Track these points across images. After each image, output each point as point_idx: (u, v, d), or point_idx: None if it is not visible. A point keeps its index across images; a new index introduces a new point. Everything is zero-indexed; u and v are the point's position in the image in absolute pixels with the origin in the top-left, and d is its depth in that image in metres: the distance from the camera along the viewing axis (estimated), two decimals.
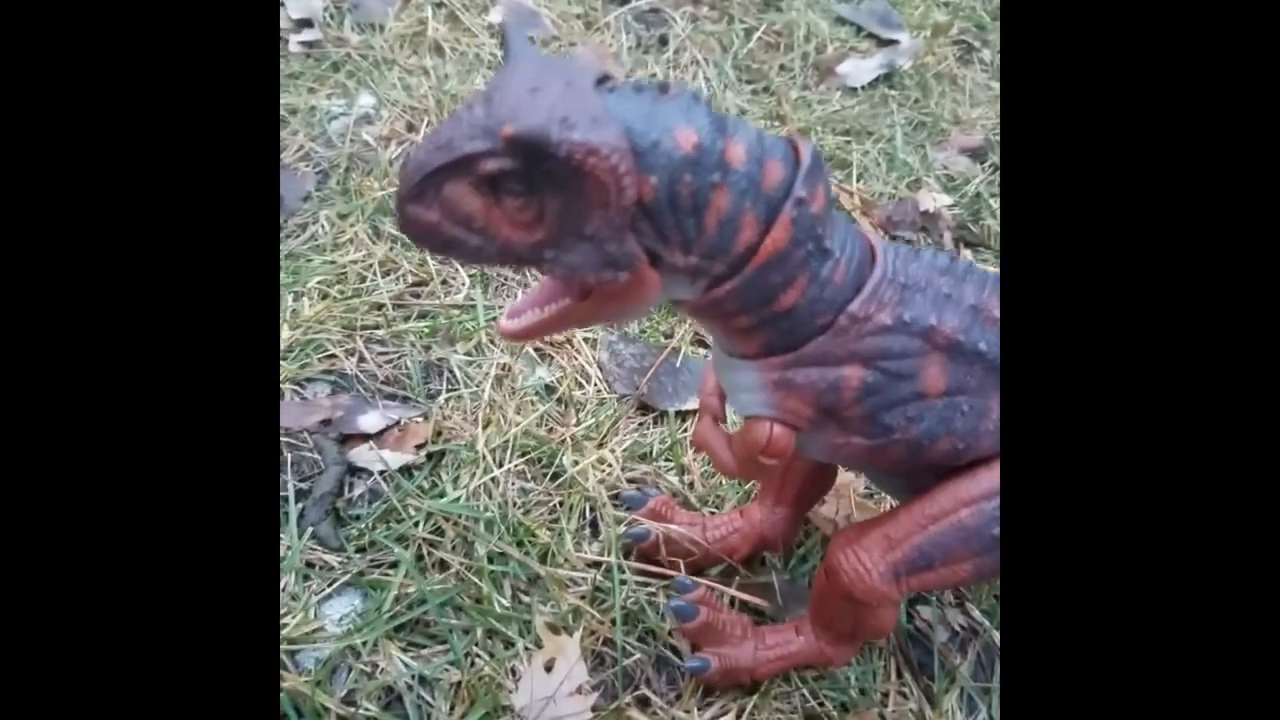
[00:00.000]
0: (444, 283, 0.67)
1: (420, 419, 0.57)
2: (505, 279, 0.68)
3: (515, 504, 0.54)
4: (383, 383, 0.59)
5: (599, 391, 0.62)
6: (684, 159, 0.31)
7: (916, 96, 0.98)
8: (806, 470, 0.50)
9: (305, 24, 0.85)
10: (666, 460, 0.59)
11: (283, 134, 0.73)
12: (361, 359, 0.60)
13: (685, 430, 0.62)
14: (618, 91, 0.32)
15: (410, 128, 0.75)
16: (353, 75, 0.80)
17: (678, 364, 0.66)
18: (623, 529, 0.53)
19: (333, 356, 0.59)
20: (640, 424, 0.62)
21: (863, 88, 0.97)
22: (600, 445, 0.59)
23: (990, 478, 0.38)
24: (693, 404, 0.64)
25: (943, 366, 0.36)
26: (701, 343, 0.69)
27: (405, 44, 0.84)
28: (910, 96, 0.98)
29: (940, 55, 1.04)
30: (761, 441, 0.38)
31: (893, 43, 1.04)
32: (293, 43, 0.83)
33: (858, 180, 0.87)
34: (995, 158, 0.93)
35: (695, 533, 0.52)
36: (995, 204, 0.88)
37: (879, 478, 0.44)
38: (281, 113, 0.75)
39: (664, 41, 0.93)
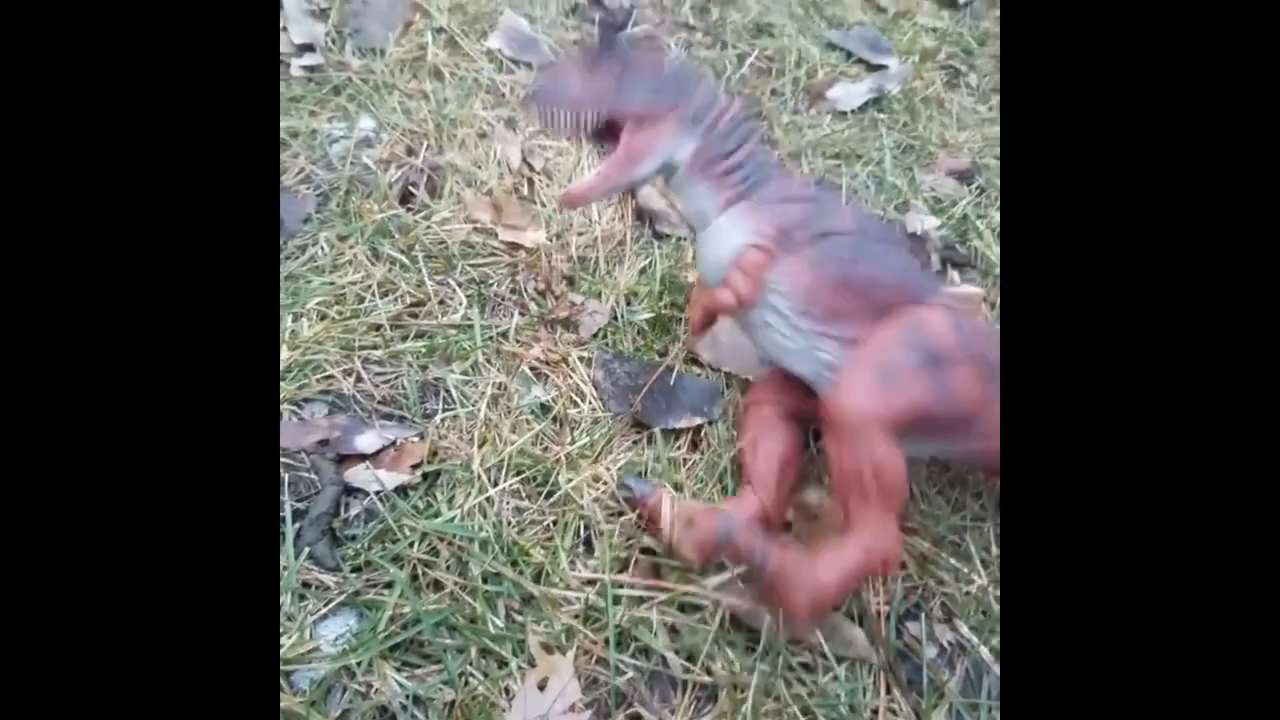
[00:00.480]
0: (441, 303, 0.68)
1: (416, 439, 0.57)
2: (502, 299, 0.69)
3: (510, 523, 0.55)
4: (380, 403, 0.60)
5: (593, 410, 0.63)
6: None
7: (905, 120, 1.00)
8: (778, 454, 0.56)
9: (307, 48, 0.87)
10: (660, 477, 0.60)
11: (283, 157, 0.75)
12: (359, 379, 0.60)
13: (679, 447, 0.63)
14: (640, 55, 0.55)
15: (410, 151, 0.77)
16: (353, 99, 0.81)
17: (672, 382, 0.67)
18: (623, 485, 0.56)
19: (330, 377, 0.60)
20: (635, 441, 0.62)
21: (852, 112, 0.99)
22: (595, 463, 0.60)
23: (905, 315, 0.51)
24: (686, 422, 0.65)
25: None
26: (694, 361, 0.70)
27: (405, 68, 0.86)
28: (899, 120, 1.00)
29: (928, 80, 1.06)
30: (748, 262, 0.53)
31: (882, 68, 1.06)
32: (294, 67, 0.84)
33: (847, 203, 0.88)
34: (982, 180, 0.95)
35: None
36: (981, 225, 0.90)
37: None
38: (283, 136, 0.76)
39: None
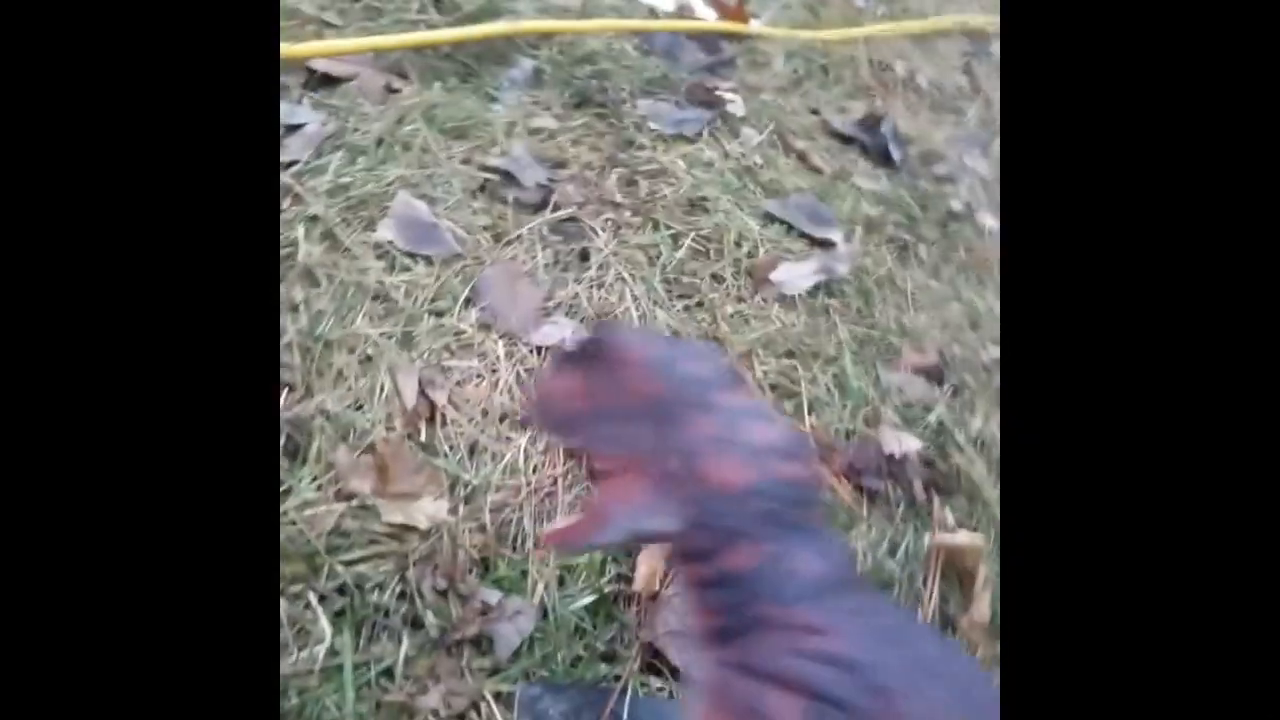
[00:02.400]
0: (299, 632, 0.49)
1: None
2: (385, 614, 0.51)
3: None
4: None
5: None
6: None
7: (859, 305, 0.90)
8: None
9: None
10: None
11: None
12: None
13: None
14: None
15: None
16: None
17: (625, 714, 0.50)
18: None
19: None
20: None
21: (800, 296, 0.88)
22: None
23: None
24: None
25: None
26: (652, 667, 0.54)
27: None
28: (852, 305, 0.90)
29: (878, 258, 0.98)
30: None
31: (826, 242, 0.97)
32: None
33: (809, 413, 0.76)
34: (953, 379, 0.85)
35: None
36: (960, 436, 0.79)
37: None
38: None
39: (585, 256, 0.82)
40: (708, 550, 0.31)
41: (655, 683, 0.54)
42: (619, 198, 0.90)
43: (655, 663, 0.55)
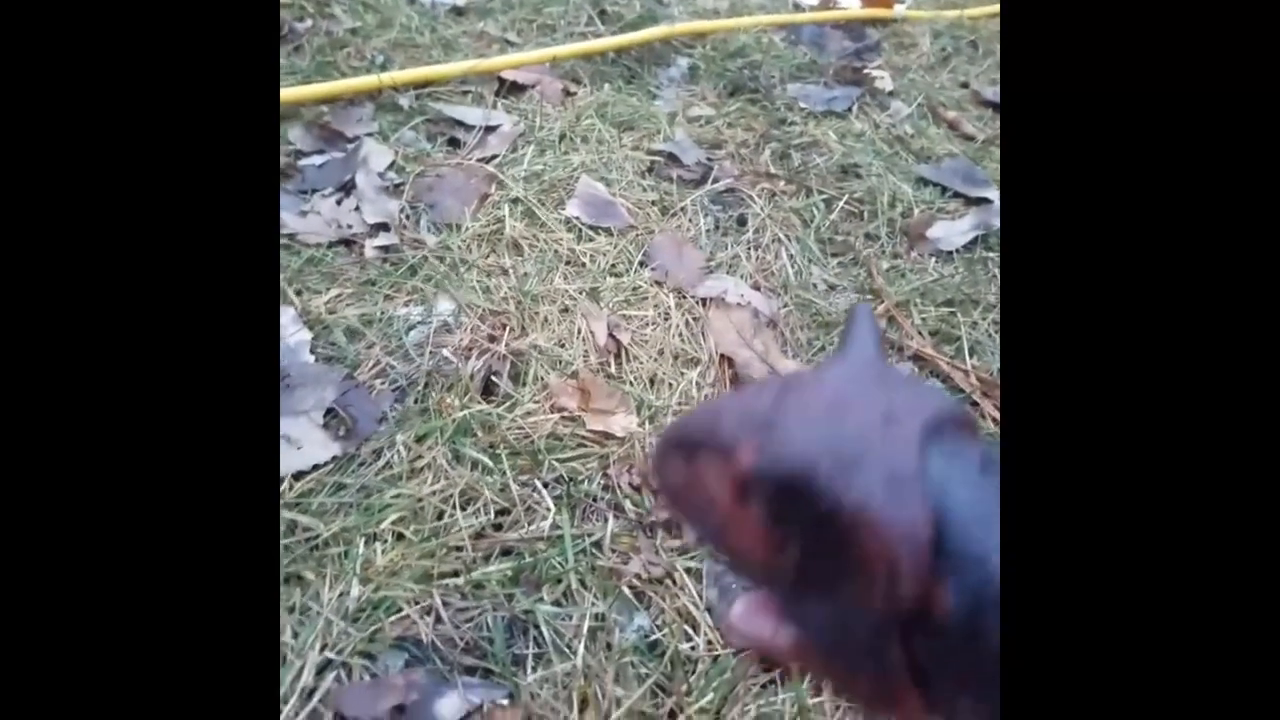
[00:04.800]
0: (528, 510, 0.61)
1: (506, 701, 0.49)
2: (593, 500, 0.62)
3: None
4: (463, 650, 0.52)
5: (711, 646, 0.54)
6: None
7: None
8: None
9: (382, 228, 0.86)
10: None
11: (359, 347, 0.71)
12: (438, 619, 0.53)
13: (820, 689, 0.52)
14: (957, 457, 0.24)
15: (492, 338, 0.73)
16: (430, 279, 0.79)
17: None
18: None
19: (406, 618, 0.53)
20: (766, 685, 0.52)
21: (957, 251, 0.92)
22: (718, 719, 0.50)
23: None
24: None
25: None
26: None
27: (483, 243, 0.84)
28: None
29: None
30: None
31: (983, 200, 0.99)
32: (369, 247, 0.83)
33: (971, 356, 0.80)
34: None
35: None
36: None
37: None
38: (357, 324, 0.74)
39: (742, 222, 0.91)
40: None
41: None
42: (773, 169, 0.98)
43: None
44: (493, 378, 0.69)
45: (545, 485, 0.62)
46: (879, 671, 0.24)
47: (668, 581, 0.57)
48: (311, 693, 0.48)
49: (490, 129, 0.99)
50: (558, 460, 0.64)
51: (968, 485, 0.24)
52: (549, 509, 0.61)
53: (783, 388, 0.27)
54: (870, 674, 0.25)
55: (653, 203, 0.92)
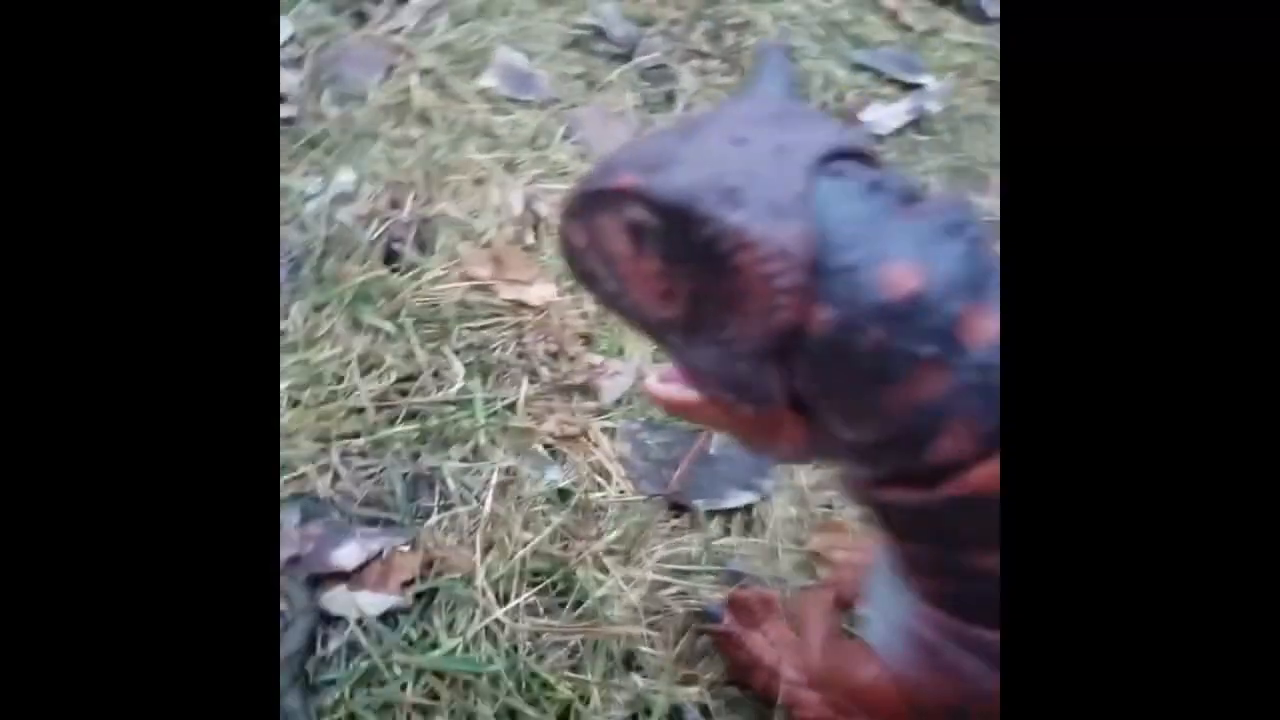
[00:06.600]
0: (435, 375, 0.60)
1: (406, 548, 0.49)
2: (507, 366, 0.61)
3: (526, 650, 0.46)
4: (362, 504, 0.51)
5: (622, 493, 0.54)
6: (881, 306, 0.24)
7: (950, 140, 0.93)
8: None
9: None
10: (710, 573, 0.51)
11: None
12: (336, 477, 0.52)
13: (729, 531, 0.54)
14: (844, 180, 0.25)
15: (394, 204, 0.70)
16: (330, 152, 0.76)
17: (712, 451, 0.59)
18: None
19: (301, 476, 0.52)
20: (674, 528, 0.53)
21: (891, 135, 0.92)
22: (628, 561, 0.51)
23: None
24: (734, 500, 0.56)
25: None
26: None
27: (389, 115, 0.80)
28: (943, 141, 0.93)
29: (971, 96, 1.00)
30: (862, 684, 0.30)
31: (917, 87, 1.00)
32: None
33: None
34: None
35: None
36: None
37: None
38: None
39: (671, 98, 0.89)
40: (927, 538, 0.26)
41: None
42: (705, 47, 0.96)
43: None
44: (395, 246, 0.67)
45: (455, 353, 0.61)
46: (761, 399, 0.26)
47: (582, 439, 0.58)
48: None
49: (401, 1, 0.94)
50: (468, 329, 0.63)
51: (851, 206, 0.24)
52: (458, 374, 0.60)
53: (683, 128, 0.28)
54: (753, 402, 0.26)
55: (577, 76, 0.89)
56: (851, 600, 0.37)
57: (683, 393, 0.30)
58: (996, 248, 0.24)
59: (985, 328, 0.24)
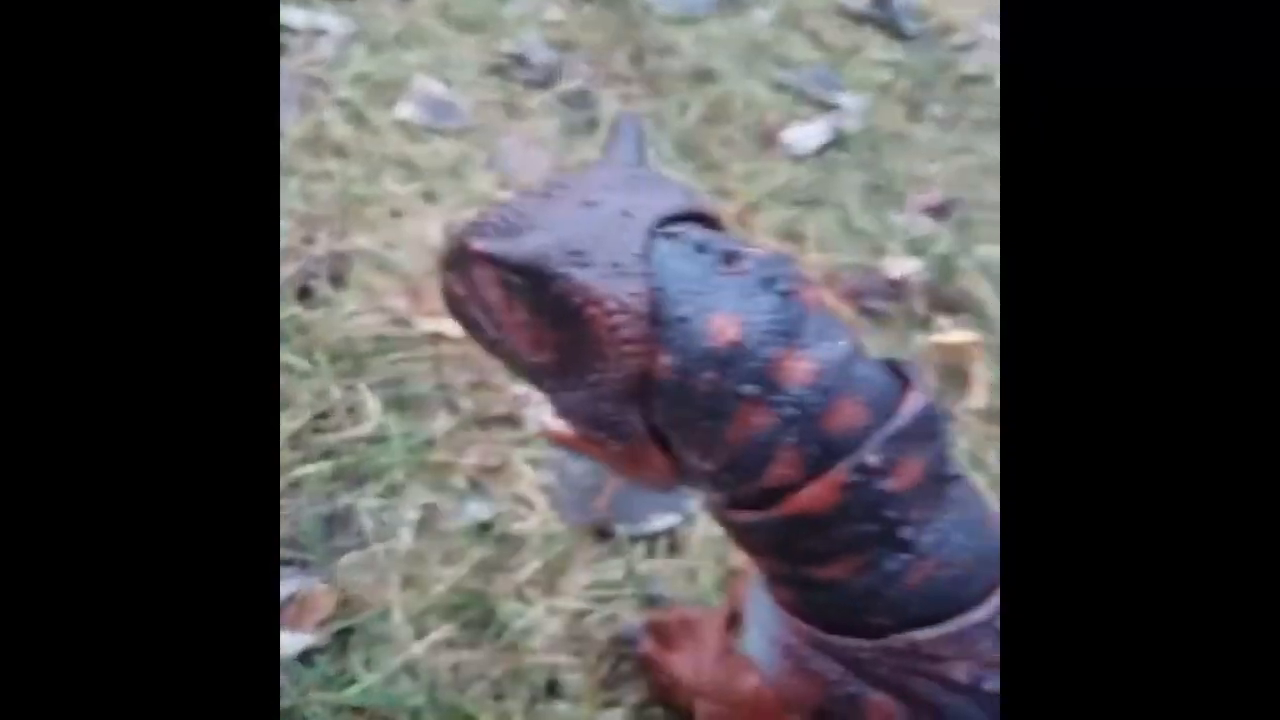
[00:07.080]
0: (350, 411, 0.60)
1: (322, 586, 0.48)
2: (425, 400, 0.62)
3: (447, 684, 0.46)
4: None
5: (545, 523, 0.55)
6: (709, 352, 0.27)
7: (869, 159, 0.97)
8: None
9: None
10: (633, 597, 0.52)
11: None
12: None
13: (653, 554, 0.55)
14: (677, 240, 0.28)
15: (307, 240, 0.70)
16: None
17: None
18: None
19: None
20: (598, 554, 0.54)
21: (811, 154, 0.95)
22: (550, 590, 0.52)
23: None
24: (658, 523, 0.57)
25: None
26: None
27: (302, 149, 0.80)
28: (861, 159, 0.97)
29: (890, 115, 1.03)
30: (744, 695, 0.32)
31: (836, 105, 1.03)
32: None
33: (816, 252, 0.84)
34: (960, 214, 0.91)
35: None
36: (966, 262, 0.85)
37: None
38: None
39: (594, 124, 0.91)
40: (775, 553, 0.29)
41: None
42: (627, 72, 0.98)
43: None
44: (309, 282, 0.67)
45: (371, 388, 0.61)
46: (625, 435, 0.28)
47: (505, 471, 0.58)
48: None
49: (318, 33, 0.94)
50: (385, 362, 0.63)
51: (684, 264, 0.27)
52: (374, 410, 0.60)
53: (545, 191, 0.30)
54: (619, 438, 0.28)
55: (498, 103, 0.90)
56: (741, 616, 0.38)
57: (568, 430, 0.33)
58: (810, 294, 0.27)
59: (797, 369, 0.27)
